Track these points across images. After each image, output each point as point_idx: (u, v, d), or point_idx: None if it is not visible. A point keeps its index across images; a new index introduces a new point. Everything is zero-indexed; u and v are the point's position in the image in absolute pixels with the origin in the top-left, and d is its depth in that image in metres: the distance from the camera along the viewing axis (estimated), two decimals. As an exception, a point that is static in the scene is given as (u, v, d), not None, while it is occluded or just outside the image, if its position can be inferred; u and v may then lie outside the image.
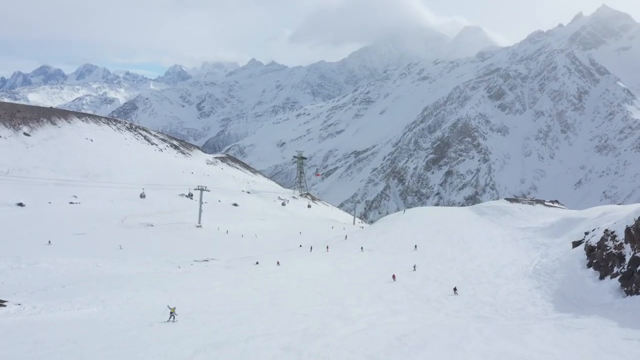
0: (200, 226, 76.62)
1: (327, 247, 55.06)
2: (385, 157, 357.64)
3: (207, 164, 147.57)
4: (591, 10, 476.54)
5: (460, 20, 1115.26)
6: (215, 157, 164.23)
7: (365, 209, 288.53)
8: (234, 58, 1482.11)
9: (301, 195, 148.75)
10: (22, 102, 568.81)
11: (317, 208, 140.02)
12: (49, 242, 52.03)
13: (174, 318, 23.37)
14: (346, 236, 65.56)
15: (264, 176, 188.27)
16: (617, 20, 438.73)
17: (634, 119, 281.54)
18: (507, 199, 77.04)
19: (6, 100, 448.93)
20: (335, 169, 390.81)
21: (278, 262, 45.20)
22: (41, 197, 79.00)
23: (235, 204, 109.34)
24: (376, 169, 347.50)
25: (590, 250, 33.52)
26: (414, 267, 43.12)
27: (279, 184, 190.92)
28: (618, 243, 29.76)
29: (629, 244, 28.56)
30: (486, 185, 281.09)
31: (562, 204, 74.97)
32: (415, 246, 53.31)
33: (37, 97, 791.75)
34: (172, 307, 23.84)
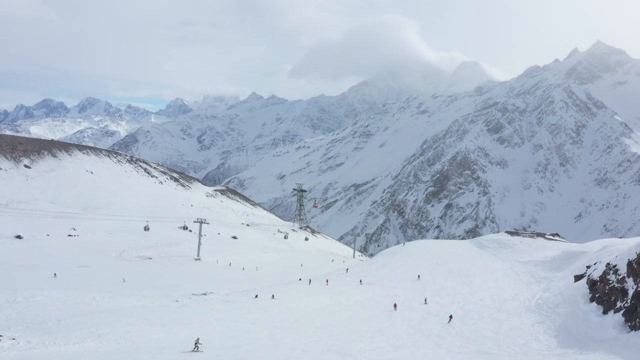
0: (199, 259, 76.05)
1: (327, 281, 54.53)
2: (385, 190, 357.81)
3: (207, 196, 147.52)
4: (586, 46, 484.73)
5: (458, 55, 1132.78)
6: (215, 190, 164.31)
7: (365, 241, 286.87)
8: (234, 91, 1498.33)
9: (301, 228, 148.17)
10: (24, 134, 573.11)
11: (316, 241, 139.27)
12: (55, 274, 51.78)
13: (197, 348, 23.60)
14: (347, 269, 65.02)
15: (264, 209, 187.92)
16: (612, 56, 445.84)
17: (633, 152, 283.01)
18: (508, 232, 76.74)
19: (8, 132, 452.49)
20: (335, 201, 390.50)
21: (273, 296, 44.72)
22: (40, 230, 78.66)
23: (234, 237, 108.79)
24: (376, 201, 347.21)
25: (592, 284, 33.22)
26: (425, 300, 42.75)
27: (279, 217, 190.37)
28: (620, 277, 29.52)
29: (631, 278, 28.33)
30: (486, 218, 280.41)
31: (562, 237, 74.62)
32: (419, 276, 52.97)
33: (39, 130, 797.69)
34: (196, 338, 24.20)
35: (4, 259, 59.13)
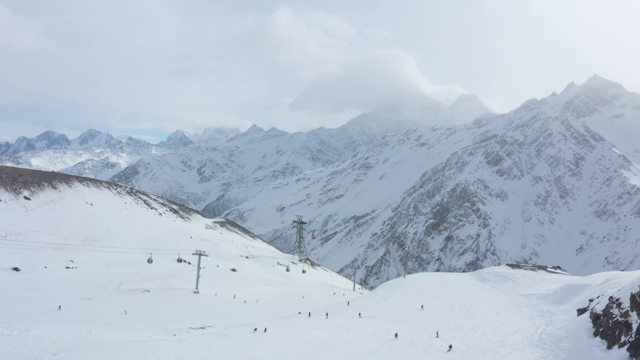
0: (198, 292, 75.22)
1: (327, 314, 53.85)
2: (384, 222, 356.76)
3: (206, 228, 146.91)
4: (583, 80, 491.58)
5: (456, 89, 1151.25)
6: (215, 222, 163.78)
7: (365, 274, 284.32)
8: (235, 124, 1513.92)
9: (300, 260, 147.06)
10: (24, 166, 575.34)
11: (316, 273, 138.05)
12: (59, 307, 51.37)
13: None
14: (348, 302, 64.34)
15: (263, 241, 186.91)
16: (609, 89, 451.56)
17: (632, 184, 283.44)
18: (509, 265, 76.28)
19: (9, 164, 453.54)
20: (335, 233, 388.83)
21: (270, 330, 44.11)
22: (37, 262, 78.08)
23: (233, 269, 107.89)
24: (376, 234, 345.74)
25: (595, 318, 32.83)
26: (437, 333, 42.07)
27: (278, 249, 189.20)
28: (624, 311, 29.19)
29: (635, 312, 28.01)
30: (487, 250, 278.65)
31: (564, 270, 74.09)
32: (422, 306, 52.51)
33: (39, 162, 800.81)
34: None
35: (0, 292, 58.52)
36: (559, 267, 75.42)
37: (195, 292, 74.88)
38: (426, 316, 50.42)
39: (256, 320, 52.52)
